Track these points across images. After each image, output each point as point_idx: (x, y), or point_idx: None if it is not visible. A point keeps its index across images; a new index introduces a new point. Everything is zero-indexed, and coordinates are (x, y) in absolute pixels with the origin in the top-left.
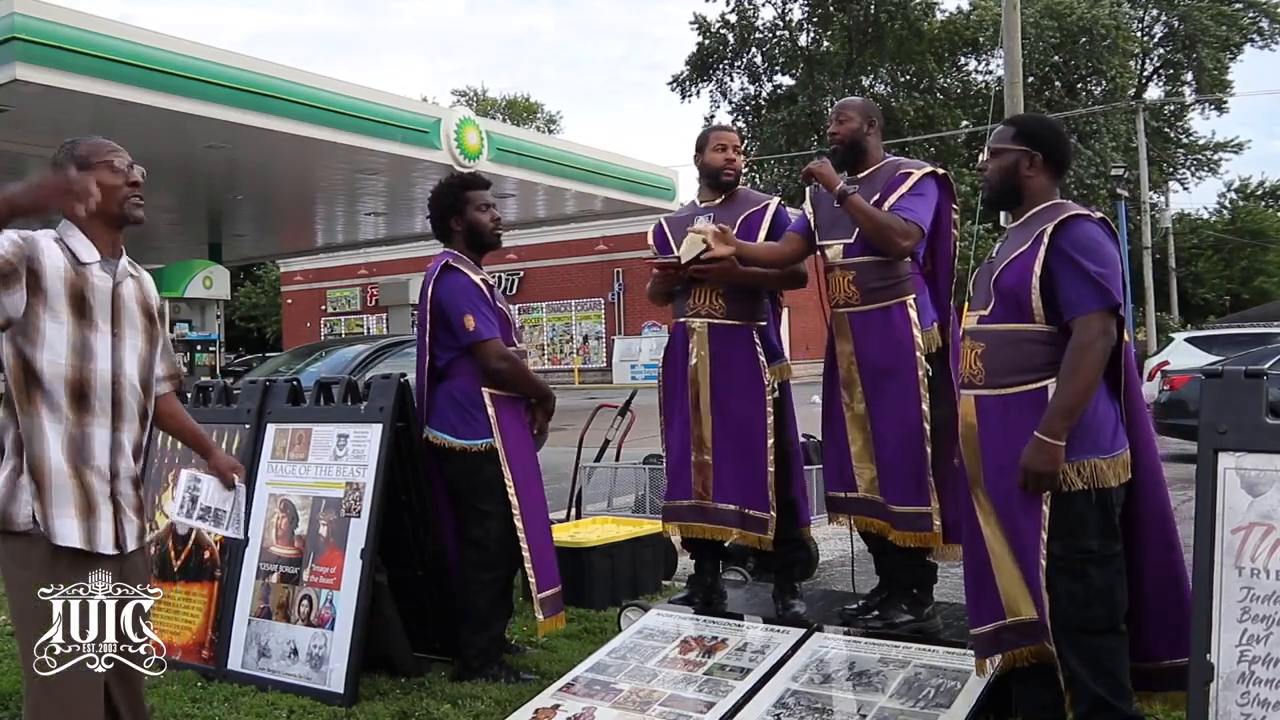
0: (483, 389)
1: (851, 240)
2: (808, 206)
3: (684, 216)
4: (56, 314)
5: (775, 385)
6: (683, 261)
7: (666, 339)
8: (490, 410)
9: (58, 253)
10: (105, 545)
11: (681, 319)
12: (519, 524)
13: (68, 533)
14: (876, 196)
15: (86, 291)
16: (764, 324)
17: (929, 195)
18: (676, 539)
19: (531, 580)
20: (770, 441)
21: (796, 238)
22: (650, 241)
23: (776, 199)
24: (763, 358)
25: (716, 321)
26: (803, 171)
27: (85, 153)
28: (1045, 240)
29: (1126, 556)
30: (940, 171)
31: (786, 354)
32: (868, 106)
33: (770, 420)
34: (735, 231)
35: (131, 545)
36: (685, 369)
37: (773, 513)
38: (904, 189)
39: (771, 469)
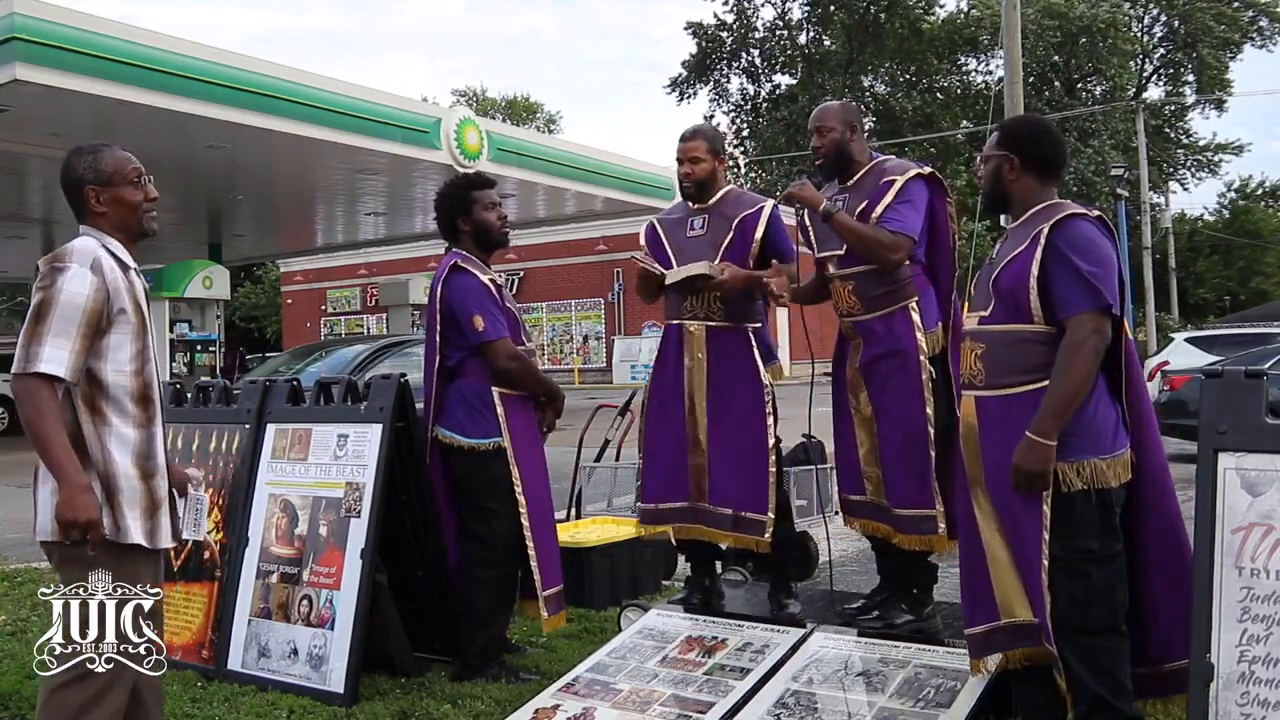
0: (492, 388)
1: (843, 252)
2: (806, 218)
3: (677, 218)
4: (124, 324)
5: (772, 386)
6: (666, 282)
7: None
8: (499, 409)
9: (112, 264)
10: (164, 541)
11: (677, 320)
12: (525, 522)
13: (134, 532)
14: (864, 205)
15: (139, 297)
16: (759, 325)
17: (917, 199)
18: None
19: (536, 578)
20: (771, 443)
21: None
22: (642, 242)
23: (771, 201)
24: (760, 359)
25: (715, 324)
26: (783, 195)
27: (110, 169)
28: (1042, 240)
29: (1132, 557)
30: (925, 171)
31: (783, 355)
32: (847, 111)
33: (770, 421)
34: (731, 234)
35: (169, 540)
36: (679, 371)
37: (771, 514)
38: (889, 198)
39: (773, 469)
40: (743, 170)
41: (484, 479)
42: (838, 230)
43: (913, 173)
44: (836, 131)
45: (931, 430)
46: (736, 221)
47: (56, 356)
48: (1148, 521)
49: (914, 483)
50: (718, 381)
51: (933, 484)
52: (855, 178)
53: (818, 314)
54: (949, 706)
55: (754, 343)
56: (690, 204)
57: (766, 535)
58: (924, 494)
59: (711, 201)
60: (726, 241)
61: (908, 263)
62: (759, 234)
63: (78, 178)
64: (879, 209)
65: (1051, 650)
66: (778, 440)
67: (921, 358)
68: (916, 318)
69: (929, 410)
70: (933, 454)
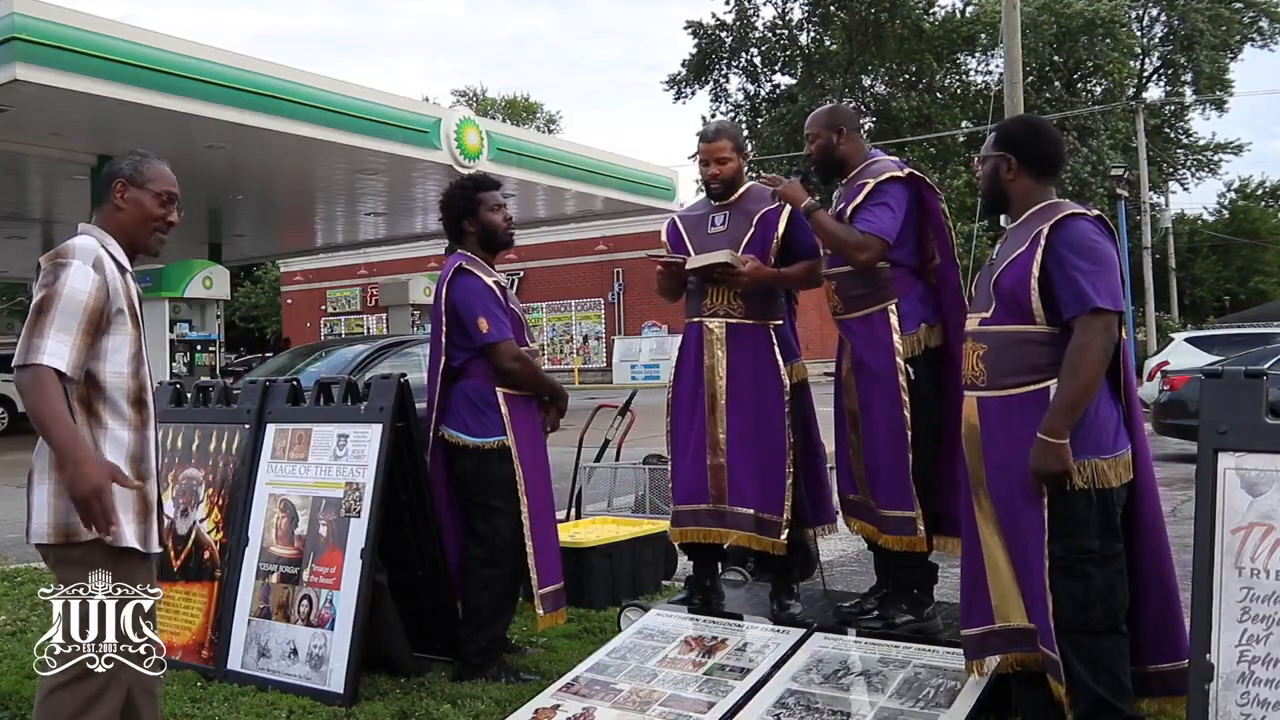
0: (496, 388)
1: (830, 251)
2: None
3: (698, 215)
4: (121, 326)
5: (789, 385)
6: (687, 267)
7: (666, 339)
8: (504, 409)
9: (112, 266)
10: (155, 545)
11: (697, 319)
12: (526, 520)
13: (128, 535)
14: (843, 205)
15: (135, 300)
16: (780, 323)
17: (893, 201)
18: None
19: (533, 575)
20: (789, 443)
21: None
22: (664, 238)
23: None
24: (780, 358)
25: (735, 321)
26: (772, 193)
27: (147, 175)
28: (1042, 241)
29: (1125, 558)
30: (902, 174)
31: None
32: (831, 116)
33: (789, 421)
34: (752, 230)
35: (159, 545)
36: (699, 370)
37: (787, 515)
38: (860, 199)
39: (791, 470)
40: (746, 170)
41: (488, 478)
42: (814, 228)
43: (888, 174)
44: (821, 138)
45: (909, 433)
46: (758, 217)
47: (59, 351)
48: (1135, 522)
49: (894, 484)
50: (738, 380)
51: (911, 486)
52: (849, 178)
53: (820, 314)
54: (949, 706)
55: (774, 341)
56: (711, 201)
57: (782, 537)
58: (904, 496)
59: (733, 198)
60: (748, 237)
61: (889, 265)
62: (780, 229)
63: (117, 170)
64: (849, 210)
65: (1050, 655)
66: (794, 441)
67: (898, 359)
68: (894, 320)
69: (905, 413)
70: (910, 457)
